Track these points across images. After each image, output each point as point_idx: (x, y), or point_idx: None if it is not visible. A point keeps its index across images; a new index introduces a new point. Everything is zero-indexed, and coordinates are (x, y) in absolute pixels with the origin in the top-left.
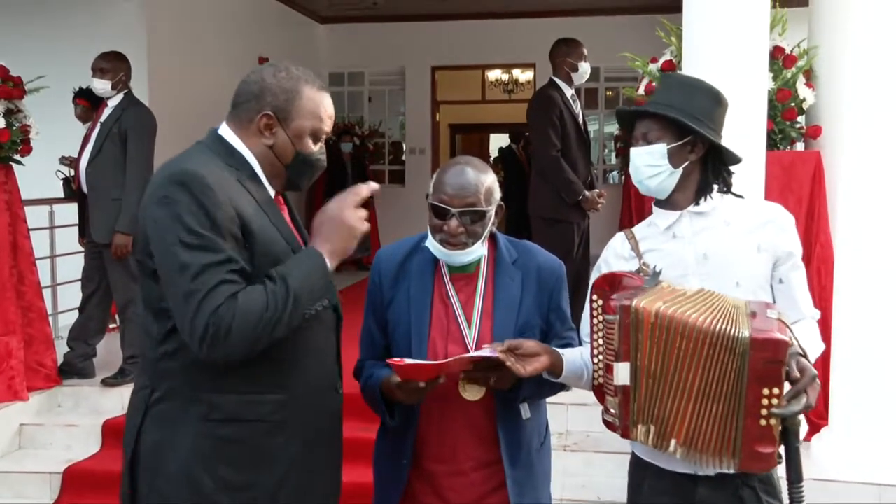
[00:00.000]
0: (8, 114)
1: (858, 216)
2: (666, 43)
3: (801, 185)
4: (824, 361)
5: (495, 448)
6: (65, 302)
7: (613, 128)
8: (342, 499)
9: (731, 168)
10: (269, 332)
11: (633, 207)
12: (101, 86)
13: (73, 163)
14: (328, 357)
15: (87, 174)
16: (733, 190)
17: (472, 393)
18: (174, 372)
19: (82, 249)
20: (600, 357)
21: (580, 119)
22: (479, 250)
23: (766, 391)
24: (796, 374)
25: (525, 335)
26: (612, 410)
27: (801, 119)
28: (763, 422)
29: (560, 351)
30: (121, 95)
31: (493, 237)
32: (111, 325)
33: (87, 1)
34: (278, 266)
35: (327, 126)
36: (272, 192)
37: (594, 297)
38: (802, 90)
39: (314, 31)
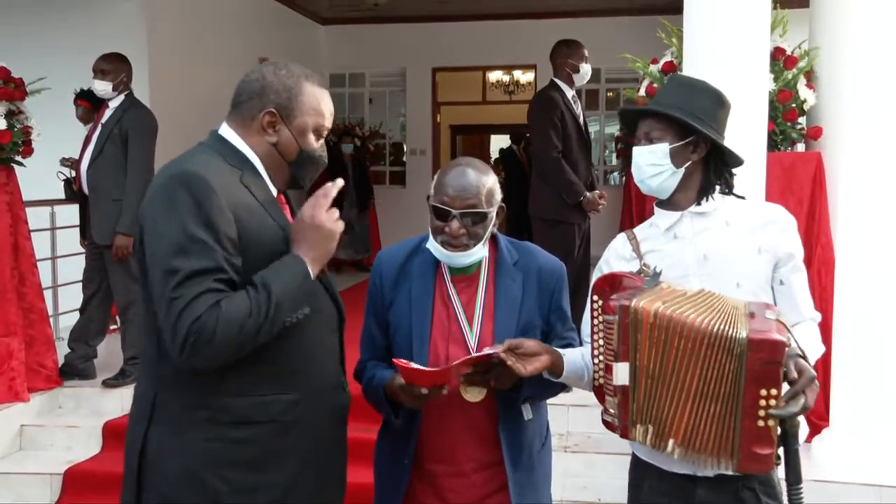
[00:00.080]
0: (9, 115)
1: (859, 217)
2: (667, 44)
3: (801, 187)
4: (825, 362)
5: (496, 449)
6: (66, 303)
7: (614, 129)
8: None
9: (733, 169)
10: (251, 339)
11: (634, 209)
12: (102, 87)
13: (74, 164)
14: (333, 357)
15: (88, 175)
16: (734, 191)
17: (473, 394)
18: (178, 375)
19: (83, 250)
20: (600, 357)
21: (581, 120)
22: (481, 252)
23: (763, 392)
24: (794, 374)
25: (526, 336)
26: (612, 410)
27: (801, 120)
28: (761, 423)
29: (561, 351)
30: (122, 97)
31: (493, 238)
32: (112, 327)
33: (87, 1)
34: (260, 272)
35: (328, 122)
36: (274, 191)
37: (595, 297)
38: (803, 91)
39: (315, 32)
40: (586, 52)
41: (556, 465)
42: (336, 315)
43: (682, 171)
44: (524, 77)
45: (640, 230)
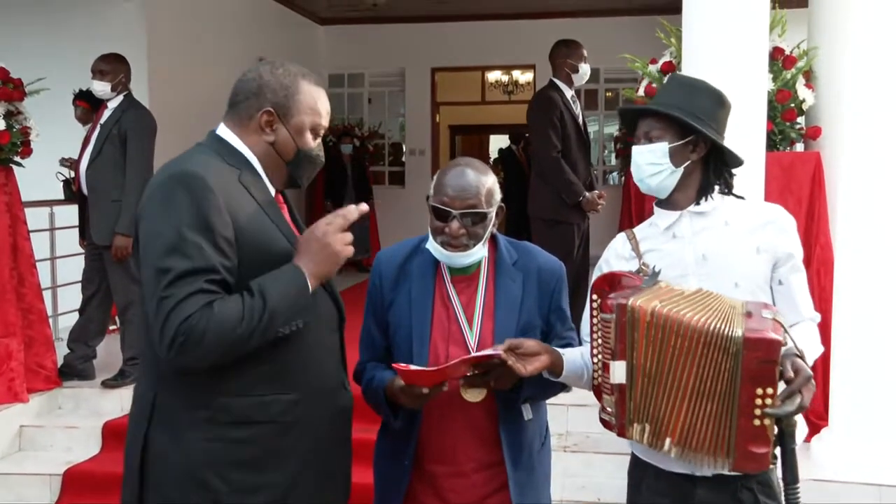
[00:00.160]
0: (8, 116)
1: (858, 217)
2: (665, 44)
3: (800, 186)
4: (824, 362)
5: (496, 449)
6: (65, 304)
7: (613, 129)
8: None
9: (732, 170)
10: (240, 345)
11: (633, 208)
12: (101, 88)
13: (73, 164)
14: (333, 357)
15: (87, 176)
16: (734, 191)
17: (474, 394)
18: (178, 375)
19: (82, 251)
20: (599, 356)
21: (580, 120)
22: (480, 252)
23: (759, 391)
24: (790, 374)
25: (526, 336)
26: (609, 409)
27: (800, 120)
28: (757, 422)
29: (560, 350)
30: (121, 97)
31: (492, 238)
32: (111, 327)
33: (87, 1)
34: (258, 279)
35: (325, 121)
36: (272, 191)
37: (594, 296)
38: (802, 91)
39: (314, 32)
40: (585, 52)
41: (556, 465)
42: (336, 315)
43: (681, 170)
44: (523, 77)
45: (639, 230)
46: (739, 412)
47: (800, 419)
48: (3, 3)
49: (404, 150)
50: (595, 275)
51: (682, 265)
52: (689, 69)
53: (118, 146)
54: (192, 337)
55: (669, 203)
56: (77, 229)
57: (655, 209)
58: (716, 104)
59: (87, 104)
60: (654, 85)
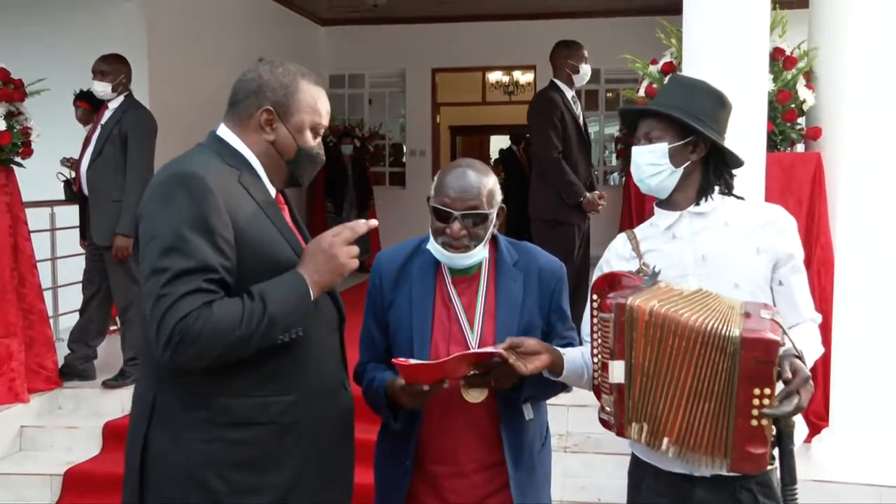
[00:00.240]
0: (9, 116)
1: (858, 217)
2: (666, 45)
3: (801, 187)
4: (825, 362)
5: (497, 449)
6: (65, 304)
7: (614, 129)
8: None
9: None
10: (237, 348)
11: (634, 209)
12: (102, 88)
13: (74, 164)
14: (334, 357)
15: (87, 176)
16: (734, 191)
17: (475, 395)
18: (178, 376)
19: (83, 251)
20: (598, 356)
21: (581, 121)
22: (481, 253)
23: (756, 391)
24: (788, 374)
25: (527, 336)
26: (608, 408)
27: (801, 120)
28: (754, 422)
29: (561, 350)
30: (121, 98)
31: (493, 239)
32: (112, 327)
33: (87, 1)
34: (260, 284)
35: (325, 121)
36: (273, 192)
37: (594, 296)
38: (802, 92)
39: (314, 32)
40: (586, 53)
41: (556, 466)
42: (336, 315)
43: (680, 170)
44: (524, 78)
45: (640, 230)
46: (737, 412)
47: (800, 420)
48: (3, 4)
49: (405, 150)
50: (595, 275)
51: (682, 265)
52: (689, 70)
53: (119, 147)
54: (188, 336)
55: (669, 203)
56: (78, 230)
57: (656, 209)
58: (716, 105)
59: (87, 105)
60: (654, 85)
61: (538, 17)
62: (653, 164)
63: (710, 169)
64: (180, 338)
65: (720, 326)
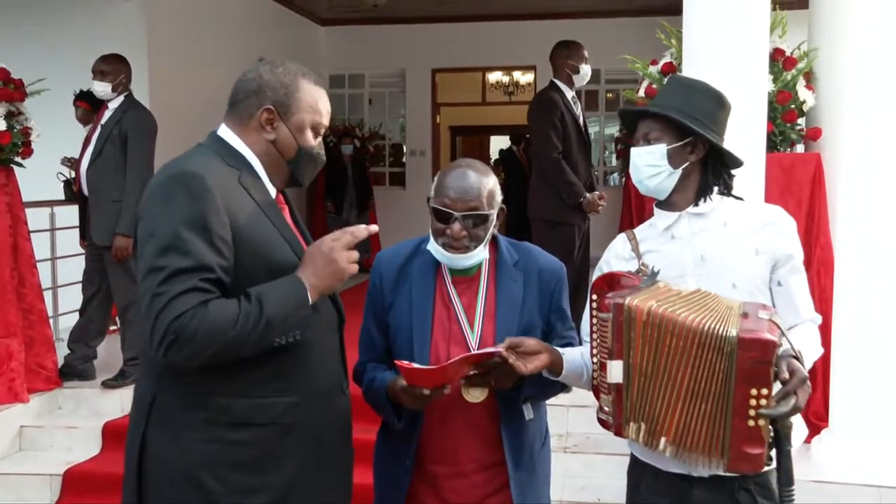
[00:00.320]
0: (9, 116)
1: (858, 218)
2: (666, 45)
3: (800, 188)
4: (824, 363)
5: (497, 450)
6: (65, 304)
7: (614, 130)
8: None
9: (732, 171)
10: (232, 349)
11: (634, 209)
12: (102, 88)
13: (74, 164)
14: (333, 357)
15: (87, 176)
16: (733, 192)
17: (475, 395)
18: (177, 375)
19: (83, 251)
20: (597, 356)
21: (581, 121)
22: (482, 253)
23: (753, 391)
24: (786, 375)
25: (527, 336)
26: (606, 408)
27: (801, 121)
28: (751, 422)
29: (560, 350)
30: (121, 98)
31: (493, 239)
32: (112, 327)
33: (87, 1)
34: (258, 286)
35: (325, 120)
36: (273, 192)
37: (593, 296)
38: (802, 92)
39: (314, 32)
40: (586, 53)
41: (556, 466)
42: (336, 315)
43: (679, 171)
44: (524, 78)
45: (639, 230)
46: (734, 412)
47: (800, 420)
48: (3, 4)
49: (405, 150)
50: (595, 275)
51: (681, 266)
52: (689, 70)
53: (119, 147)
54: (183, 335)
55: (668, 204)
56: (77, 230)
57: (655, 210)
58: (716, 105)
59: (87, 105)
60: (654, 86)
61: (538, 18)
62: (651, 166)
63: (709, 170)
64: (175, 336)
65: (717, 326)
